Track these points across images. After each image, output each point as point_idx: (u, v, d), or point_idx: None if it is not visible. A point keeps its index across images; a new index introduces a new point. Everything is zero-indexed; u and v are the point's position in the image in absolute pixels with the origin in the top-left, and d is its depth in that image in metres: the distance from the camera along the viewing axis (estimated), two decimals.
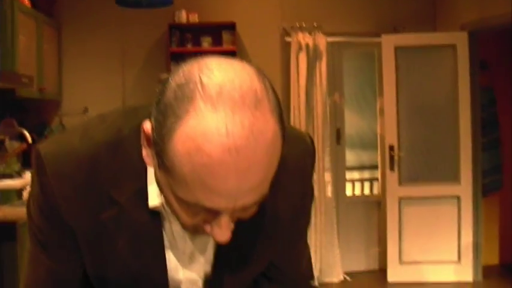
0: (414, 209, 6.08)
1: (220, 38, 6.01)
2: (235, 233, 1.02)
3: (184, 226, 1.02)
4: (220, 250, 1.17)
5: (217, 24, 5.99)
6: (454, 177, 6.09)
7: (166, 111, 0.89)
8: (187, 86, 0.88)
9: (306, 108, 6.11)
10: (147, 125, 0.96)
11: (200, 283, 1.22)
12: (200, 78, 0.88)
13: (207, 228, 0.98)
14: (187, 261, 1.19)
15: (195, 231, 1.02)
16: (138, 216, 1.09)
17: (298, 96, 6.10)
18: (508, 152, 6.46)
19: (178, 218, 1.00)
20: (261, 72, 0.94)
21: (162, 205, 1.08)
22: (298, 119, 6.10)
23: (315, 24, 6.08)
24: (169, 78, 0.93)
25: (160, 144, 0.90)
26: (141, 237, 1.11)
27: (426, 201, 6.05)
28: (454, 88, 6.08)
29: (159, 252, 1.14)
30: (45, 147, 1.11)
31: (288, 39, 6.15)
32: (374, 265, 6.46)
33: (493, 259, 6.36)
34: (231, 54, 5.93)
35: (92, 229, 1.10)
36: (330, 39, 6.17)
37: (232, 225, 0.98)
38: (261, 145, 0.87)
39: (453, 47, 6.04)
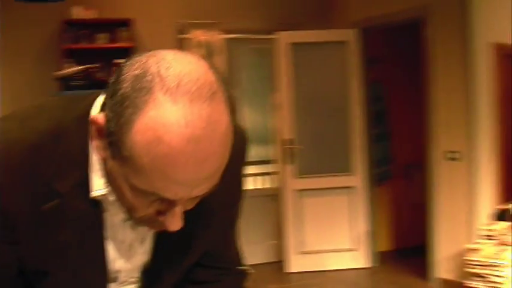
0: (311, 200, 6.29)
1: (116, 34, 5.94)
2: None
3: (135, 217, 1.03)
4: (159, 241, 1.19)
5: (114, 21, 5.91)
6: (348, 168, 6.36)
7: (124, 102, 0.90)
8: (145, 77, 0.90)
9: None
10: (100, 116, 0.97)
11: (138, 273, 1.24)
12: (158, 70, 0.90)
13: (160, 218, 1.00)
14: (126, 251, 1.20)
15: (144, 222, 1.03)
16: (80, 206, 1.09)
17: None
18: (397, 143, 6.80)
19: (130, 208, 1.01)
20: (214, 67, 0.97)
21: (104, 195, 1.09)
22: None
23: (211, 21, 6.14)
24: (123, 70, 0.94)
25: (117, 134, 0.92)
26: (81, 227, 1.11)
27: (323, 193, 6.28)
28: (345, 83, 6.34)
29: (99, 242, 1.14)
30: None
31: (184, 36, 6.17)
32: (273, 257, 6.61)
33: (388, 245, 6.69)
34: (127, 51, 5.87)
35: (33, 220, 1.08)
36: (226, 36, 6.25)
37: (182, 215, 1.01)
38: (217, 135, 0.91)
39: (344, 43, 6.31)
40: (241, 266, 1.51)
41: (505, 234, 5.30)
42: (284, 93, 6.31)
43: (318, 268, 6.21)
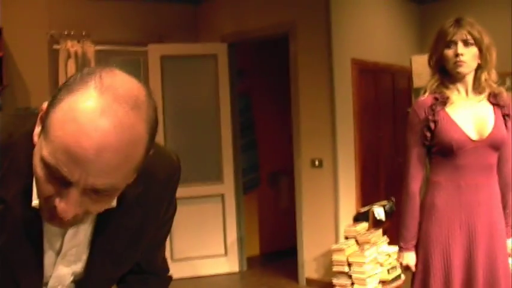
0: (183, 208, 6.39)
1: None
2: (109, 239, 1.22)
3: (41, 200, 1.13)
4: (94, 251, 1.31)
5: None
6: (218, 177, 6.58)
7: (63, 88, 1.06)
8: (88, 75, 1.06)
9: None
10: (44, 104, 1.10)
11: (68, 280, 1.35)
12: (100, 73, 1.06)
13: (56, 201, 1.09)
14: (61, 259, 1.30)
15: (46, 209, 1.13)
16: (22, 213, 1.18)
17: None
18: (263, 152, 7.12)
19: (37, 186, 1.12)
20: (151, 94, 1.13)
21: None
22: None
23: (83, 32, 6.14)
24: (78, 73, 1.09)
25: (48, 112, 1.05)
26: (20, 233, 1.20)
27: (194, 201, 6.44)
28: (215, 94, 6.57)
29: (36, 249, 1.23)
30: None
31: (56, 46, 6.11)
32: None
33: (255, 250, 6.98)
34: None
35: None
36: (98, 47, 6.26)
37: (78, 208, 1.09)
38: (124, 137, 1.04)
39: (214, 56, 6.53)
40: (166, 272, 1.67)
41: (365, 234, 5.77)
42: None
43: (190, 274, 6.36)
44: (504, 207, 2.92)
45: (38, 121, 1.11)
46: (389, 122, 6.70)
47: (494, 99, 2.85)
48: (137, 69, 6.78)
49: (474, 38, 2.79)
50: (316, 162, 5.99)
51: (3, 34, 5.80)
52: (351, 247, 5.64)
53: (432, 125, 2.84)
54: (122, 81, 1.06)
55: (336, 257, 5.60)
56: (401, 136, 6.85)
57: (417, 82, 7.04)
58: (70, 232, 1.24)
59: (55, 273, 1.31)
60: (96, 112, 1.01)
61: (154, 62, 6.37)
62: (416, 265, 2.96)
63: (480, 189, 2.80)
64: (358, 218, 5.99)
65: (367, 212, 6.03)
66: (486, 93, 2.86)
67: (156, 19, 6.66)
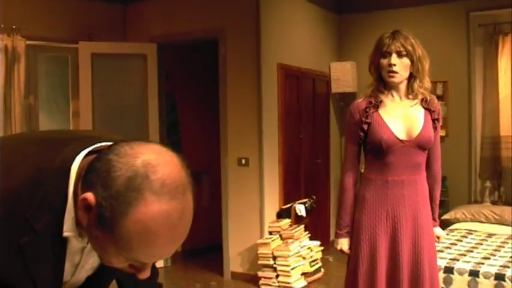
0: None
1: None
2: None
3: (106, 264, 1.34)
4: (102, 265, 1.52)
5: None
6: None
7: (119, 198, 1.18)
8: (135, 180, 1.17)
9: (3, 110, 6.11)
10: (89, 197, 1.21)
11: (81, 282, 1.56)
12: (146, 174, 1.19)
13: (133, 270, 1.32)
14: (78, 269, 1.49)
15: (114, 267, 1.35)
16: (51, 242, 1.34)
17: None
18: (186, 151, 7.32)
19: (106, 259, 1.31)
20: (180, 158, 1.31)
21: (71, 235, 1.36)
22: None
23: (13, 26, 6.13)
24: (114, 169, 1.19)
25: (111, 220, 1.18)
26: (48, 256, 1.36)
27: None
28: (144, 93, 6.72)
29: (59, 266, 1.41)
30: None
31: None
32: None
33: (183, 246, 7.14)
34: None
35: (11, 252, 1.31)
36: (28, 42, 6.26)
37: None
38: (187, 220, 1.23)
39: (144, 56, 6.68)
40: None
41: (288, 229, 6.11)
42: (83, 101, 6.50)
43: None
44: (432, 201, 3.30)
45: (83, 207, 1.24)
46: (309, 124, 7.08)
47: (426, 105, 3.21)
48: (65, 65, 6.83)
49: (407, 50, 3.13)
50: (243, 161, 6.26)
51: None
52: (275, 241, 5.96)
53: (365, 126, 3.18)
54: (167, 174, 1.21)
55: (261, 250, 5.91)
56: (320, 138, 7.28)
57: (335, 87, 7.49)
58: (88, 247, 1.42)
59: (72, 280, 1.50)
60: (163, 217, 1.18)
61: (85, 59, 6.45)
62: (349, 249, 3.30)
63: (406, 184, 3.14)
64: (281, 215, 6.32)
65: (289, 209, 6.39)
66: (419, 99, 3.20)
67: (86, 17, 6.73)
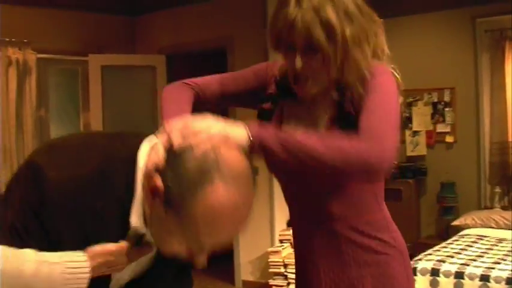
0: None
1: None
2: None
3: (165, 252, 1.39)
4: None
5: None
6: None
7: (189, 180, 1.25)
8: (205, 163, 1.26)
9: (15, 123, 6.18)
10: (158, 180, 1.28)
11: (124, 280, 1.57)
12: (216, 159, 1.27)
13: (189, 257, 1.36)
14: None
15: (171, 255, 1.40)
16: (117, 233, 1.39)
17: (7, 111, 6.15)
18: None
19: (166, 246, 1.36)
20: (246, 154, 1.40)
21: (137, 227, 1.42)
22: (7, 134, 6.14)
23: (25, 40, 6.22)
24: (185, 153, 1.29)
25: (179, 201, 1.25)
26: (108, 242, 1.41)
27: None
28: (153, 104, 6.79)
29: None
30: (46, 163, 1.33)
31: None
32: None
33: None
34: None
35: (77, 236, 1.35)
36: (38, 55, 6.35)
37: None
38: (250, 206, 1.33)
39: (153, 68, 6.76)
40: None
41: None
42: (94, 113, 6.58)
43: None
44: None
45: (150, 190, 1.31)
46: None
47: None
48: (76, 78, 6.91)
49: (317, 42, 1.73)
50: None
51: None
52: (286, 249, 5.99)
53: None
54: (233, 161, 1.30)
55: (272, 258, 5.94)
56: None
57: None
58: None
59: (117, 275, 1.51)
60: (229, 202, 1.26)
61: (95, 71, 6.53)
62: None
63: None
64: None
65: None
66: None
67: (95, 30, 6.82)
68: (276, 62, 1.93)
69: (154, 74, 6.78)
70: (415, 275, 4.44)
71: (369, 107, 1.66)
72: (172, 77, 6.85)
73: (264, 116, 1.92)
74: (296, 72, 1.70)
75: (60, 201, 1.31)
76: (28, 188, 1.32)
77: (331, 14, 1.61)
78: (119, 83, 6.69)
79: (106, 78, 6.60)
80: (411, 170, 6.73)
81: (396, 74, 1.79)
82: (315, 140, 1.56)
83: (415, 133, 6.92)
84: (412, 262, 4.60)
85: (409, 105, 6.91)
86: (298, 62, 1.66)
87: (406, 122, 6.97)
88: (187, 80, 2.01)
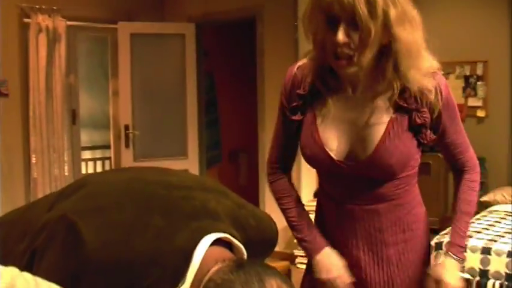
0: None
1: None
2: None
3: None
4: None
5: None
6: (182, 152, 6.80)
7: None
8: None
9: (45, 90, 6.23)
10: None
11: None
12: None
13: None
14: None
15: None
16: None
17: (38, 77, 6.19)
18: (225, 130, 7.38)
19: None
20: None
21: None
22: (37, 100, 6.19)
23: (54, 7, 6.23)
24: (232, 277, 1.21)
25: None
26: None
27: None
28: (182, 73, 6.78)
29: None
30: (90, 236, 1.23)
31: (27, 20, 6.18)
32: None
33: None
34: None
35: None
36: (68, 22, 6.36)
37: None
38: None
39: (182, 36, 6.73)
40: None
41: None
42: (123, 80, 6.58)
43: None
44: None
45: None
46: None
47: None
48: (105, 45, 6.92)
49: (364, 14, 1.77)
50: None
51: None
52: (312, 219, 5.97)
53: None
54: None
55: None
56: None
57: None
58: None
59: None
60: None
61: (124, 39, 6.52)
62: None
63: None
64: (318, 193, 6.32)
65: None
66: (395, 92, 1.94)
67: None
68: (289, 78, 2.01)
69: (183, 42, 6.74)
70: (440, 249, 4.40)
71: (460, 132, 1.97)
72: (201, 45, 6.84)
73: (291, 127, 1.99)
74: (337, 48, 1.70)
75: (99, 278, 1.24)
76: (67, 254, 1.24)
77: None
78: (148, 51, 6.67)
79: (135, 46, 6.59)
80: None
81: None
82: (472, 208, 2.03)
83: None
84: (438, 236, 4.57)
85: None
86: (341, 35, 1.67)
87: None
88: (271, 167, 2.19)
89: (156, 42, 6.68)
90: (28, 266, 1.28)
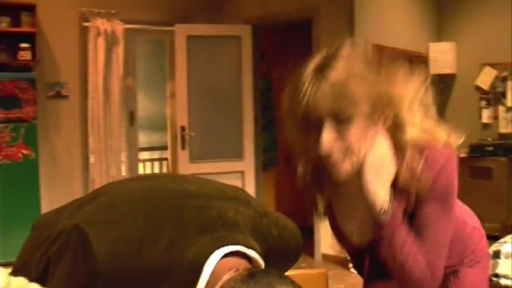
0: None
1: (19, 19, 5.97)
2: None
3: None
4: None
5: (17, 5, 5.94)
6: (238, 154, 6.81)
7: None
8: None
9: (103, 92, 6.34)
10: None
11: None
12: None
13: None
14: None
15: None
16: None
17: (96, 79, 6.31)
18: (281, 132, 7.34)
19: None
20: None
21: None
22: (96, 102, 6.31)
23: (112, 11, 6.34)
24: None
25: None
26: None
27: (215, 177, 6.51)
28: (238, 74, 6.78)
29: None
30: (101, 249, 1.21)
31: (86, 24, 6.31)
32: None
33: None
34: (30, 36, 5.95)
35: None
36: (126, 25, 6.46)
37: None
38: None
39: (238, 38, 6.73)
40: None
41: None
42: (179, 82, 6.64)
43: None
44: None
45: None
46: None
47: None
48: (162, 48, 6.99)
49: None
50: None
51: (37, 11, 6.00)
52: None
53: None
54: None
55: None
56: None
57: (433, 69, 7.26)
58: None
59: None
60: None
61: (181, 41, 6.57)
62: None
63: None
64: None
65: None
66: None
67: (182, 0, 6.85)
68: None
69: (240, 44, 6.75)
70: (498, 257, 4.25)
71: (432, 225, 1.62)
72: (257, 48, 6.82)
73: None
74: (325, 154, 1.54)
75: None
76: (77, 266, 1.23)
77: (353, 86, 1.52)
78: (205, 53, 6.70)
79: (191, 48, 6.63)
80: (504, 148, 6.44)
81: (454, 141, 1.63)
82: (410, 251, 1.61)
83: (509, 109, 6.60)
84: (496, 244, 4.41)
85: (503, 80, 6.59)
86: (326, 137, 1.52)
87: (499, 97, 6.65)
88: None
89: (212, 44, 6.71)
90: (43, 273, 1.29)
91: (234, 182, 6.72)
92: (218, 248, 1.27)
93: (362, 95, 1.52)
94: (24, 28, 5.97)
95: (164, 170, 7.36)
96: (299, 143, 1.67)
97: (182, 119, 6.64)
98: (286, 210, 7.35)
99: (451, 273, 1.78)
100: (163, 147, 7.24)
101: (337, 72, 1.53)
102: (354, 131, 1.53)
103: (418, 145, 1.59)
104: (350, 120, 1.52)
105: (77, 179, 6.30)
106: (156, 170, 7.48)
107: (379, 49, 6.33)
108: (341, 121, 1.52)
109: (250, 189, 6.80)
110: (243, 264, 1.30)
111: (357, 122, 1.53)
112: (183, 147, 6.64)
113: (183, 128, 6.63)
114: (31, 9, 5.97)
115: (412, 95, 1.62)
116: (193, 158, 6.69)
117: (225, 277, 1.22)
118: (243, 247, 1.32)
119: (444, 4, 7.48)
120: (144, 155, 7.37)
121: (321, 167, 1.62)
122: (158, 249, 1.25)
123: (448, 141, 1.62)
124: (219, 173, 6.63)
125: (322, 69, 1.56)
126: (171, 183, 1.51)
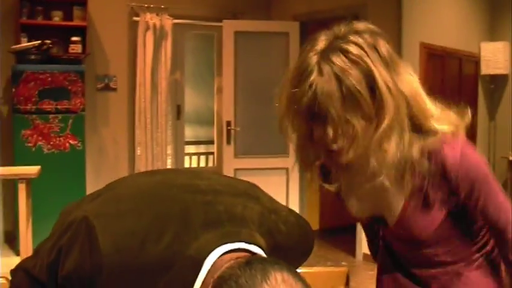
0: (248, 179, 6.66)
1: (71, 13, 6.13)
2: None
3: None
4: None
5: (69, 0, 6.11)
6: (283, 151, 6.80)
7: None
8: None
9: (151, 85, 6.45)
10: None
11: None
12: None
13: None
14: None
15: None
16: None
17: (144, 73, 6.42)
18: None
19: None
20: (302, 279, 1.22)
21: None
22: (143, 95, 6.42)
23: (162, 6, 6.43)
24: (237, 275, 1.15)
25: None
26: None
27: (259, 172, 6.68)
28: (284, 71, 6.77)
29: None
30: (105, 242, 1.24)
31: (136, 18, 6.43)
32: None
33: (315, 224, 7.19)
34: (81, 29, 6.10)
35: None
36: (175, 20, 6.55)
37: None
38: None
39: (286, 34, 6.73)
40: None
41: None
42: (226, 78, 6.68)
43: None
44: None
45: None
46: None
47: None
48: (211, 43, 7.06)
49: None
50: None
51: (88, 5, 6.14)
52: None
53: None
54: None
55: None
56: None
57: (485, 69, 7.11)
58: None
59: None
60: None
61: (228, 37, 6.61)
62: None
63: None
64: None
65: None
66: None
67: None
68: None
69: (287, 41, 6.75)
70: None
71: (494, 199, 1.61)
72: (303, 44, 6.81)
73: None
74: (328, 144, 1.53)
75: (112, 284, 1.26)
76: (83, 259, 1.26)
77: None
78: (252, 49, 6.73)
79: (239, 44, 6.66)
80: None
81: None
82: None
83: None
84: None
85: None
86: (330, 131, 1.50)
87: None
88: None
89: (260, 40, 6.73)
90: (54, 261, 1.33)
91: (279, 178, 6.76)
92: (221, 245, 1.28)
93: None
94: (76, 22, 6.12)
95: (210, 164, 7.43)
96: (301, 130, 1.60)
97: (228, 114, 6.68)
98: (330, 208, 7.35)
99: (455, 274, 1.74)
100: (210, 142, 7.31)
101: (345, 59, 1.47)
102: (361, 121, 1.50)
103: (438, 140, 1.57)
104: (357, 108, 1.48)
105: (123, 171, 6.42)
106: (202, 164, 7.56)
107: (427, 47, 6.24)
108: (348, 110, 1.48)
109: (295, 186, 6.81)
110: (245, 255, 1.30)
111: (363, 111, 1.49)
112: (228, 142, 6.69)
113: (228, 123, 6.67)
114: (83, 3, 6.11)
115: (417, 85, 1.63)
116: (238, 153, 6.73)
117: (225, 265, 1.24)
118: (246, 244, 1.32)
119: (497, 2, 7.31)
120: (190, 149, 7.45)
121: (324, 152, 1.60)
122: (162, 244, 1.27)
123: (457, 128, 1.61)
124: (264, 168, 6.67)
125: (329, 54, 1.49)
126: (181, 179, 1.53)
